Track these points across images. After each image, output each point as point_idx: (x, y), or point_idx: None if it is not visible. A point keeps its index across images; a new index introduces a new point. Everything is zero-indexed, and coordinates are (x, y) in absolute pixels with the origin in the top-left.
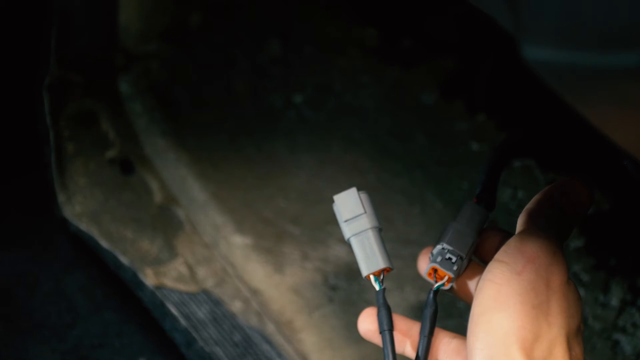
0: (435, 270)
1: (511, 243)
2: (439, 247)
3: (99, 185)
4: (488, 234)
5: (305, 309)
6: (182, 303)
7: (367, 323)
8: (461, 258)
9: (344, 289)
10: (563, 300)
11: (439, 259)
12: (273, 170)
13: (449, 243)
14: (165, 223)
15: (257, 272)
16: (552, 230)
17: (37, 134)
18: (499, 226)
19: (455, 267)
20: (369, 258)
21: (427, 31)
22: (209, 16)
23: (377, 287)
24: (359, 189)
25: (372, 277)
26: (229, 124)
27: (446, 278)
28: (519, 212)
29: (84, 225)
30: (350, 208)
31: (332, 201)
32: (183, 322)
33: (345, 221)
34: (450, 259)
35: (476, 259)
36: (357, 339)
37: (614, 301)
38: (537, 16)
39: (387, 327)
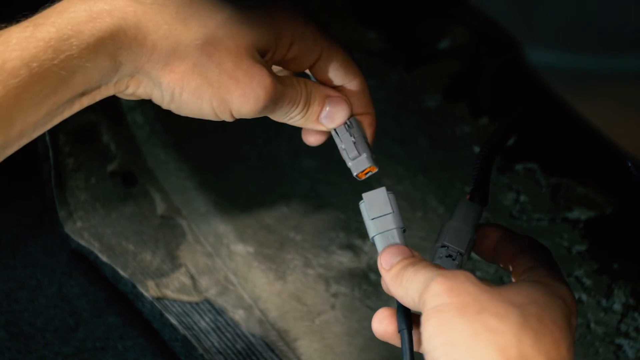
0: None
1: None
2: (438, 245)
3: (100, 199)
4: (485, 230)
5: (307, 315)
6: (185, 313)
7: (384, 325)
8: (461, 254)
9: (346, 296)
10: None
11: (440, 257)
12: (275, 177)
13: (448, 241)
14: (168, 234)
15: (259, 279)
16: None
17: (36, 151)
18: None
19: (456, 263)
20: None
21: (430, 34)
22: None
23: None
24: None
25: None
26: (231, 132)
27: None
28: (522, 216)
29: (85, 241)
30: (378, 207)
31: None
32: (182, 331)
33: (372, 219)
34: (450, 256)
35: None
36: (360, 345)
37: (617, 305)
38: (541, 20)
39: (405, 326)
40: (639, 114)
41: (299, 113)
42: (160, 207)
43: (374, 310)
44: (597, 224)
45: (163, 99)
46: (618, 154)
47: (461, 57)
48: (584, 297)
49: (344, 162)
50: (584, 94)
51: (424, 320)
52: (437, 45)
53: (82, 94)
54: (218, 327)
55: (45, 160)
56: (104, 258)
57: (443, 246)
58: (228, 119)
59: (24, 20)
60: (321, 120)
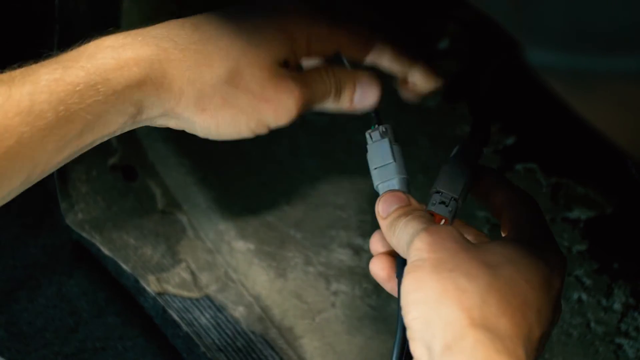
0: (432, 215)
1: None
2: (433, 191)
3: (101, 192)
4: (480, 175)
5: (307, 313)
6: (185, 309)
7: (384, 272)
8: (455, 199)
9: (346, 294)
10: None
11: (433, 203)
12: (276, 175)
13: (442, 187)
14: (168, 229)
15: (259, 277)
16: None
17: None
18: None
19: (449, 209)
20: None
21: (430, 34)
22: None
23: None
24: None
25: None
26: None
27: (443, 221)
28: None
29: (86, 233)
30: (381, 157)
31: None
32: (185, 328)
33: (375, 169)
34: (444, 202)
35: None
36: (360, 344)
37: (617, 305)
38: (541, 20)
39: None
40: (638, 114)
41: (332, 103)
42: (161, 202)
43: (374, 308)
44: (597, 223)
45: (200, 133)
46: (618, 154)
47: (461, 57)
48: (584, 296)
49: (343, 161)
50: (584, 94)
51: (404, 274)
52: (437, 45)
53: (106, 136)
54: (218, 324)
55: None
56: (106, 251)
57: (437, 192)
58: (265, 133)
59: (48, 58)
60: (355, 104)
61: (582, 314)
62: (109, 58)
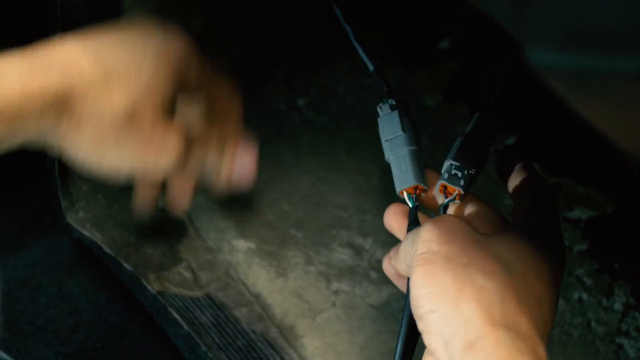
0: (445, 187)
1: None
2: (446, 163)
3: (102, 190)
4: (507, 155)
5: (308, 313)
6: (186, 308)
7: (393, 220)
8: (469, 172)
9: (347, 293)
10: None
11: (446, 175)
12: (276, 174)
13: (455, 159)
14: (169, 228)
15: (260, 276)
16: None
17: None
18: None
19: (462, 182)
20: (403, 175)
21: (430, 34)
22: (211, 19)
23: (410, 204)
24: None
25: (405, 193)
26: None
27: (456, 193)
28: None
29: (87, 231)
30: (391, 129)
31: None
32: (186, 327)
33: (386, 141)
34: (456, 174)
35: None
36: (361, 344)
37: (618, 305)
38: (542, 20)
39: None
40: (639, 114)
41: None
42: (161, 200)
43: (374, 308)
44: (598, 223)
45: (78, 163)
46: (619, 154)
47: (461, 57)
48: (585, 296)
49: (343, 161)
50: (584, 94)
51: (413, 265)
52: (437, 45)
53: None
54: (219, 323)
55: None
56: (107, 249)
57: (451, 164)
58: (139, 178)
59: None
60: (234, 180)
61: (582, 313)
62: (16, 89)
